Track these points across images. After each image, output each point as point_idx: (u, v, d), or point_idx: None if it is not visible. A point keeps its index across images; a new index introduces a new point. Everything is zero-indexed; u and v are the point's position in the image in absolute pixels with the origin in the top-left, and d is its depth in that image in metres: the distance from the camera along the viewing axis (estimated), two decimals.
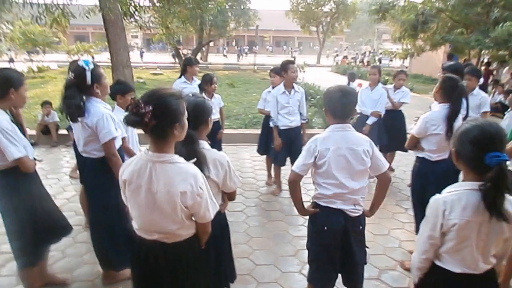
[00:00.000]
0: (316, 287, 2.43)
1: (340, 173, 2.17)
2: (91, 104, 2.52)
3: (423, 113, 4.21)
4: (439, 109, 2.99)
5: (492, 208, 1.39)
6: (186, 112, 1.63)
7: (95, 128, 2.47)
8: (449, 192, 1.51)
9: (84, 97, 2.49)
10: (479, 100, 4.67)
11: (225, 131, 6.58)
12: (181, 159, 1.63)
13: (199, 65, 5.57)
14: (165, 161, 1.58)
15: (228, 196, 2.20)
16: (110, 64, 7.92)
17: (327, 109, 2.25)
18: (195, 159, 1.75)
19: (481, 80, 4.76)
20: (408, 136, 3.27)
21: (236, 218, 4.08)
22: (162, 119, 1.53)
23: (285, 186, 4.95)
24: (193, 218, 1.72)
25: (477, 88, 4.73)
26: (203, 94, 4.58)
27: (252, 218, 4.12)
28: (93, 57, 25.04)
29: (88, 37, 43.57)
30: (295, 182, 2.29)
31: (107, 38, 7.75)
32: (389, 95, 5.23)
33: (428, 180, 3.03)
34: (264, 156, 5.17)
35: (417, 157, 3.21)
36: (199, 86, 4.67)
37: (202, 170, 1.77)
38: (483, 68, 13.06)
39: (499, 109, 8.90)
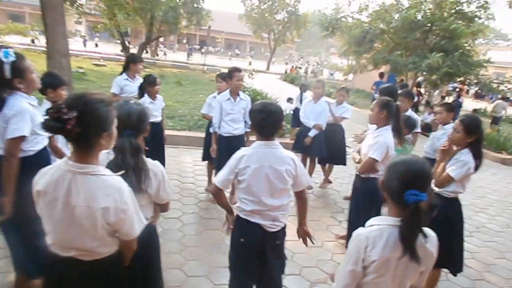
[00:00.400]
0: None
1: (260, 191, 2.20)
2: (13, 97, 2.27)
3: (364, 128, 4.39)
4: (388, 132, 3.10)
5: (405, 246, 1.41)
6: (115, 120, 1.51)
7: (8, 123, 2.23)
8: (372, 225, 1.52)
9: (4, 91, 2.23)
10: None
11: (168, 132, 6.38)
12: (106, 171, 1.50)
13: (147, 60, 5.34)
14: (88, 173, 1.45)
15: (161, 208, 2.10)
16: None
17: (252, 126, 2.27)
18: (122, 172, 1.63)
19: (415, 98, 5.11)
20: (361, 159, 3.26)
21: (171, 226, 3.93)
22: (89, 127, 1.40)
23: (225, 193, 4.87)
24: (116, 235, 1.59)
25: (409, 109, 5.07)
26: (146, 96, 4.38)
27: (188, 226, 4.00)
28: (32, 41, 23.05)
29: (25, 18, 40.19)
30: (217, 195, 2.38)
31: (44, 23, 7.15)
32: (331, 110, 5.41)
33: (379, 197, 3.10)
34: (206, 162, 5.06)
35: (364, 178, 3.22)
36: (140, 86, 4.45)
37: (142, 182, 1.75)
38: (415, 88, 14.10)
39: (427, 129, 9.69)
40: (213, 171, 4.87)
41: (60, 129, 1.34)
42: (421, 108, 14.37)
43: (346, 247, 3.37)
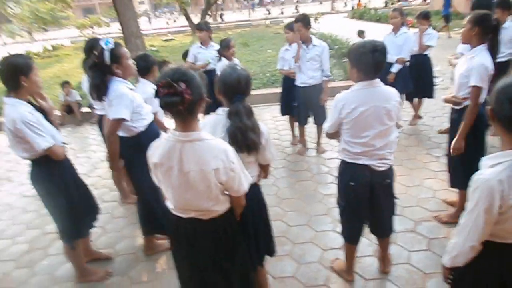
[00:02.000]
0: (346, 239, 2.52)
1: (368, 132, 2.13)
2: (113, 83, 2.50)
3: (452, 55, 3.96)
4: (484, 52, 2.70)
5: None
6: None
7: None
8: (494, 165, 1.33)
9: (106, 77, 2.47)
10: None
11: None
12: (208, 136, 1.60)
13: (212, 24, 5.48)
14: (194, 140, 1.55)
15: (263, 169, 2.13)
16: (122, 35, 7.82)
17: (355, 66, 2.12)
18: (222, 134, 1.71)
19: None
20: (450, 98, 2.94)
21: (265, 181, 4.05)
22: (195, 95, 1.48)
23: (310, 144, 4.90)
24: (226, 193, 1.71)
25: (508, 20, 4.42)
26: (223, 59, 4.50)
27: (281, 180, 4.14)
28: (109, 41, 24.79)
29: (95, 9, 42.96)
30: (332, 135, 2.36)
31: (116, 10, 7.60)
32: (421, 38, 4.95)
33: (477, 128, 2.79)
34: (287, 116, 5.09)
35: (460, 108, 2.88)
36: (218, 51, 4.58)
37: (258, 143, 1.86)
38: None
39: None
40: (295, 124, 4.90)
41: (180, 102, 1.42)
42: None
43: (452, 186, 3.15)
